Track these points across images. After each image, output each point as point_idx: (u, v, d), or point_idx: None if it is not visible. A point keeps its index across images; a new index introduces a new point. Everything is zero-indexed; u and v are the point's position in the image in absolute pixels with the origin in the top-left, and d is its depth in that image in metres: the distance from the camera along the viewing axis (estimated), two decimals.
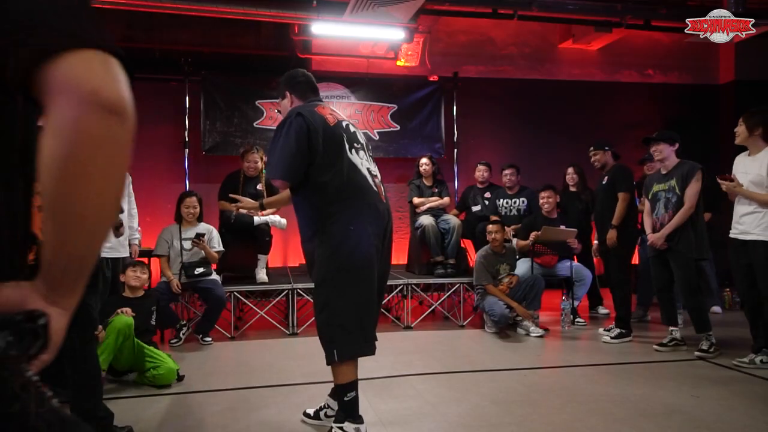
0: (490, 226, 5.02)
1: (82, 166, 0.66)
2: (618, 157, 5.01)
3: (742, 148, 3.94)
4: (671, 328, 4.33)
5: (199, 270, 4.58)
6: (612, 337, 4.56)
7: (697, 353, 4.07)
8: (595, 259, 5.52)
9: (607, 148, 4.88)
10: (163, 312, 4.20)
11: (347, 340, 2.46)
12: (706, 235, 4.19)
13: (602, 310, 5.74)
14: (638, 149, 5.70)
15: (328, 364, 2.53)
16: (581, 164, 5.89)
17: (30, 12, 0.66)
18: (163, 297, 4.33)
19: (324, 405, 2.85)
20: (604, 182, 4.81)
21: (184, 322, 4.63)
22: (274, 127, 7.46)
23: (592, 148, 4.93)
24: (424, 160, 5.85)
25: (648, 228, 4.37)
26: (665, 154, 4.26)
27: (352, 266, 2.45)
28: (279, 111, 2.85)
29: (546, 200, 5.28)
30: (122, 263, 3.96)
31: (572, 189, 5.84)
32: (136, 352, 3.37)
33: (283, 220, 5.20)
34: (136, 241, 4.43)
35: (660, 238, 4.18)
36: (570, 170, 5.88)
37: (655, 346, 4.29)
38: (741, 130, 3.81)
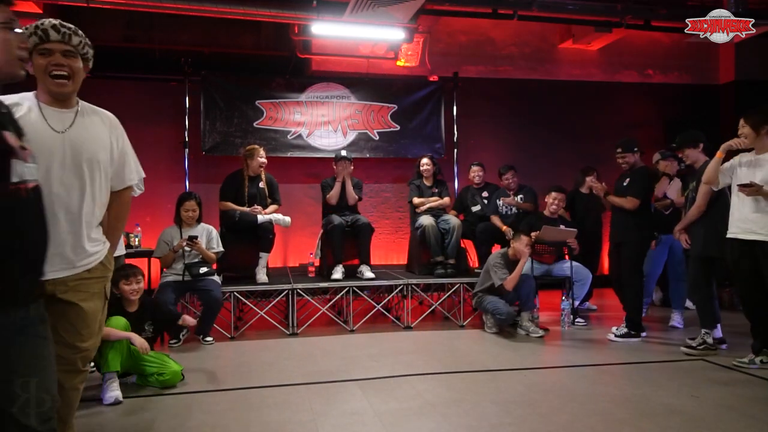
0: (525, 237, 4.83)
1: None
2: (643, 153, 4.87)
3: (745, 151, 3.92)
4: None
5: (203, 269, 4.57)
6: (617, 335, 4.57)
7: (683, 348, 4.16)
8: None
9: (636, 149, 4.71)
10: (162, 318, 3.86)
11: None
12: (718, 233, 4.03)
13: (590, 306, 5.89)
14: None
15: None
16: (598, 168, 5.83)
17: None
18: (166, 298, 4.29)
19: None
20: (625, 183, 4.69)
21: (186, 329, 4.57)
22: (275, 128, 7.44)
23: (620, 150, 4.71)
24: (424, 161, 5.85)
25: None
26: (694, 158, 4.39)
27: None
28: None
29: (554, 202, 5.26)
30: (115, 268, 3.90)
31: (584, 191, 5.80)
32: (132, 354, 3.37)
33: (287, 218, 5.20)
34: None
35: (675, 232, 4.44)
36: (592, 175, 5.75)
37: (683, 349, 4.22)
38: (746, 131, 3.74)
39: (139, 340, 3.31)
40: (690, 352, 4.11)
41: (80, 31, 2.02)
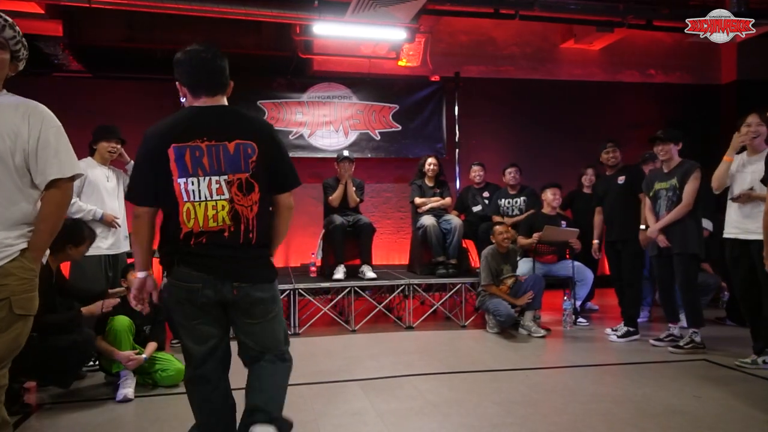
0: (498, 227, 4.98)
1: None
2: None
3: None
4: (671, 324, 4.42)
5: None
6: (619, 336, 4.57)
7: (671, 348, 4.19)
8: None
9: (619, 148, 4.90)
10: (164, 318, 3.81)
11: None
12: (702, 234, 4.21)
13: (591, 306, 5.89)
14: (640, 149, 5.70)
15: None
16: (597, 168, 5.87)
17: None
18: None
19: None
20: (619, 182, 4.73)
21: None
22: (276, 128, 7.49)
23: (611, 144, 4.84)
24: (430, 160, 5.83)
25: (650, 224, 4.38)
26: (672, 154, 4.28)
27: None
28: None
29: (554, 197, 5.32)
30: (121, 261, 3.94)
31: (585, 191, 5.84)
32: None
33: None
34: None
35: (653, 231, 4.27)
36: (590, 171, 5.89)
37: (652, 341, 4.41)
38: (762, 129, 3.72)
39: (124, 356, 3.31)
40: (677, 351, 4.14)
41: (17, 28, 1.93)
